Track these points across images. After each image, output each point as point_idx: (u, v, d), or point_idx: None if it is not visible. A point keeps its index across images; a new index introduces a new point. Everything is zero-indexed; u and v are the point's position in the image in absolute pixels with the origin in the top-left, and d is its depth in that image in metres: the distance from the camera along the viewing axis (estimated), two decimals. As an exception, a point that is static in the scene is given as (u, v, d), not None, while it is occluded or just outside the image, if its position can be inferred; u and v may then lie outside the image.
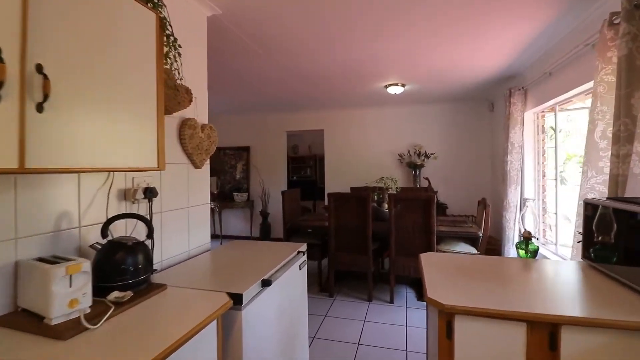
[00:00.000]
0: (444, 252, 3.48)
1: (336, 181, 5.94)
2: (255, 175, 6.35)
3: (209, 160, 2.18)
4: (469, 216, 5.11)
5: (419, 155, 5.25)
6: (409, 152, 5.43)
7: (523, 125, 3.72)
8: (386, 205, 3.72)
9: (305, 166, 10.04)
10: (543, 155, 3.80)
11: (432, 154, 5.22)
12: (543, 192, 3.77)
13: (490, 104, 5.17)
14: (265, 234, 6.05)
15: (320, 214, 4.55)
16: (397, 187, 3.69)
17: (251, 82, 4.13)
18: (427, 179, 5.13)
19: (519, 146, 3.73)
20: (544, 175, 3.78)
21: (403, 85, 4.21)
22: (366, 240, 3.37)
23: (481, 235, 3.29)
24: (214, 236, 6.53)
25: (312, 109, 5.90)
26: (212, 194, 6.31)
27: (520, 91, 3.71)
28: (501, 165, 4.11)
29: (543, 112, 3.75)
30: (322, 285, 3.80)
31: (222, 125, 6.64)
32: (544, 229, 3.58)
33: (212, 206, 6.00)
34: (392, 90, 4.24)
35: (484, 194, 5.19)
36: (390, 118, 5.64)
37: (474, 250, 3.48)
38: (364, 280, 3.76)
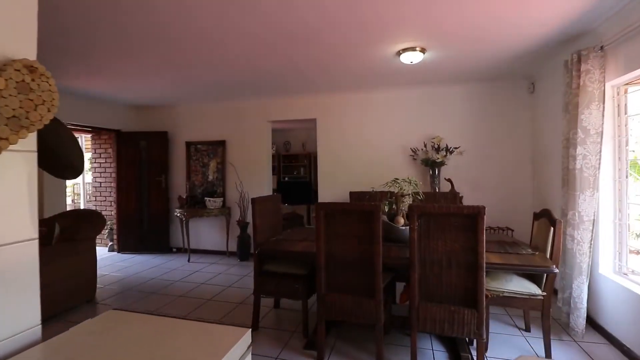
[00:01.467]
0: (494, 291, 2.28)
1: (332, 184, 4.75)
2: (232, 176, 5.15)
3: (33, 140, 0.98)
4: (503, 229, 3.92)
5: (437, 149, 4.07)
6: (425, 146, 4.23)
7: (603, 103, 2.53)
8: (402, 221, 2.53)
9: (299, 165, 8.85)
10: (626, 147, 2.62)
11: (455, 148, 4.03)
12: (619, 200, 2.60)
13: (530, 84, 3.99)
14: (244, 249, 4.85)
15: (312, 229, 3.36)
16: (418, 194, 2.49)
17: (185, 47, 2.93)
18: (449, 180, 3.94)
19: (596, 133, 2.54)
20: (627, 176, 2.61)
21: (423, 51, 3.02)
22: (374, 277, 2.18)
23: (554, 270, 2.10)
24: (180, 250, 5.32)
25: (301, 92, 4.71)
26: (179, 198, 5.11)
27: (598, 53, 2.52)
28: (559, 162, 2.92)
29: (627, 84, 2.57)
30: (308, 337, 2.60)
31: (190, 115, 5.44)
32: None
33: (178, 214, 4.80)
34: (408, 57, 3.05)
35: (525, 200, 3.99)
36: (400, 103, 4.45)
37: (536, 289, 2.29)
38: (369, 330, 2.57)
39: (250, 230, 4.97)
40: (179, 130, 5.47)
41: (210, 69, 3.58)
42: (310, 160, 8.67)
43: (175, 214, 4.94)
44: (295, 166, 8.79)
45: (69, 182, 8.93)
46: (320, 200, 4.81)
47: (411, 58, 3.04)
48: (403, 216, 2.58)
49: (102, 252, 5.59)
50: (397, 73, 3.75)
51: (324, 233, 2.29)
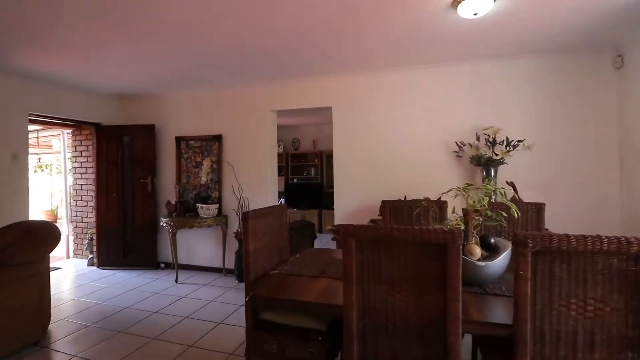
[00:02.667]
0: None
1: (352, 188, 3.83)
2: (230, 178, 4.27)
3: None
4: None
5: (492, 143, 3.11)
6: (477, 138, 3.27)
7: None
8: (477, 252, 1.59)
9: (309, 165, 7.95)
10: None
11: (519, 141, 3.06)
12: None
13: (618, 57, 3.00)
14: (243, 267, 3.96)
15: (330, 253, 2.46)
16: (513, 210, 1.54)
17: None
18: (511, 184, 2.98)
19: None
20: None
21: (493, -3, 2.08)
22: (448, 353, 1.25)
23: None
24: (169, 266, 4.46)
25: (313, 74, 3.81)
26: (168, 204, 4.25)
27: None
28: None
29: None
30: None
31: (181, 105, 4.59)
32: None
33: (164, 224, 3.94)
34: (470, 6, 2.11)
35: (610, 214, 3.00)
36: (444, 83, 3.49)
37: None
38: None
39: (251, 244, 4.08)
40: (167, 123, 4.63)
41: (200, 40, 2.70)
42: (321, 159, 7.77)
43: (162, 224, 4.08)
44: (305, 166, 7.90)
45: (50, 185, 8.04)
46: (338, 209, 3.90)
47: (475, 7, 2.10)
48: (477, 243, 1.64)
49: (80, 266, 4.78)
50: (445, 39, 2.80)
51: (357, 276, 1.37)
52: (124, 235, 4.59)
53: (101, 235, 4.62)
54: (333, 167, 4.00)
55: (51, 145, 7.44)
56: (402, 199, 3.34)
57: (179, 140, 4.51)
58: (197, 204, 4.13)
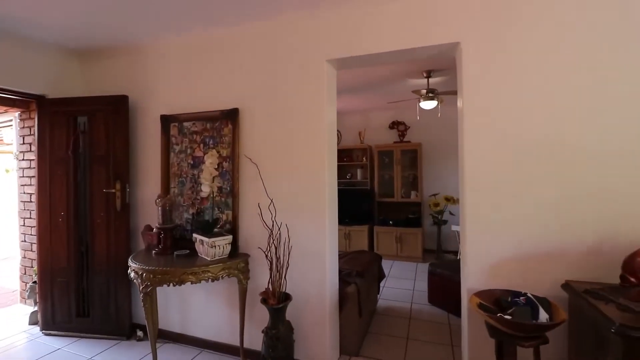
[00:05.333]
0: None
1: (499, 211, 1.82)
2: (252, 186, 2.36)
3: None
4: None
5: None
6: None
7: None
8: None
9: (353, 165, 5.98)
10: None
11: None
12: None
13: None
14: (279, 351, 2.02)
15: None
16: None
17: None
18: None
19: None
20: None
21: None
22: None
23: None
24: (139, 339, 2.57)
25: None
26: (146, 233, 2.40)
27: None
28: None
29: None
30: None
31: (170, 62, 2.72)
32: None
33: (131, 272, 2.06)
34: None
35: None
36: None
37: None
38: None
39: (294, 315, 2.15)
40: (149, 92, 2.77)
41: None
42: (370, 157, 5.78)
43: (129, 271, 2.20)
44: (347, 167, 5.93)
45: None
46: (469, 249, 1.89)
47: None
48: None
49: (18, 325, 2.98)
50: None
51: None
52: (79, 281, 2.77)
53: (45, 280, 2.81)
54: (462, 162, 2.01)
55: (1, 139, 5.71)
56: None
57: (167, 121, 2.63)
58: (195, 235, 2.23)
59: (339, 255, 2.85)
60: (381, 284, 3.59)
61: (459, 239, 5.09)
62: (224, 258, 2.18)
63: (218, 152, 2.43)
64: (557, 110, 1.75)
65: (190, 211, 2.53)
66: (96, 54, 2.97)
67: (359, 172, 5.89)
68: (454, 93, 3.39)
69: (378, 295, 3.48)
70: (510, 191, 1.81)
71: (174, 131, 2.62)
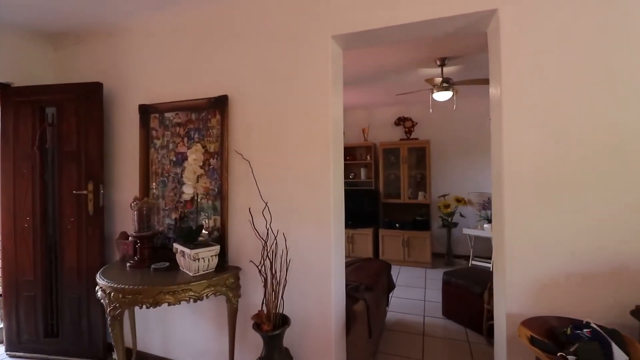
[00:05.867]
0: None
1: (548, 213, 1.46)
2: (243, 187, 2.01)
3: None
4: None
5: None
6: None
7: None
8: None
9: (357, 164, 5.63)
10: None
11: None
12: None
13: None
14: None
15: None
16: None
17: None
18: None
19: None
20: None
21: None
22: None
23: None
24: (127, 354, 2.20)
25: None
26: (120, 241, 2.04)
27: None
28: None
29: None
30: None
31: (150, 45, 2.37)
32: None
33: (98, 291, 1.70)
34: None
35: None
36: None
37: None
38: None
39: (293, 341, 1.79)
40: (126, 79, 2.41)
41: None
42: (375, 155, 5.43)
43: (97, 290, 1.84)
44: (351, 165, 5.58)
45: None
46: (512, 264, 1.53)
47: None
48: None
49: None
50: None
51: None
52: (47, 296, 2.42)
53: (9, 294, 2.46)
54: (503, 154, 1.66)
55: None
56: None
57: (146, 111, 2.27)
58: (176, 245, 1.88)
59: (351, 267, 2.50)
60: (390, 294, 3.24)
61: (472, 243, 4.77)
62: (210, 273, 1.82)
63: (204, 146, 2.07)
64: (627, 97, 1.40)
65: (173, 216, 2.18)
66: (70, 38, 2.61)
67: (362, 171, 5.54)
68: (482, 82, 3.04)
69: (387, 307, 3.13)
70: (563, 194, 1.46)
71: (154, 123, 2.26)
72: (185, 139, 2.15)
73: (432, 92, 3.26)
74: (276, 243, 1.82)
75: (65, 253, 2.39)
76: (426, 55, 3.10)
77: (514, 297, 1.50)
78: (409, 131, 5.33)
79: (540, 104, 1.49)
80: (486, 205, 4.62)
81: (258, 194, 1.91)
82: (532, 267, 1.48)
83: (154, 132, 2.26)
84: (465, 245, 4.89)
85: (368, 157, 5.49)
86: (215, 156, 2.06)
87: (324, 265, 1.84)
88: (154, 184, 2.24)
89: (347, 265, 2.82)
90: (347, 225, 5.08)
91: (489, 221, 4.52)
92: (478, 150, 4.94)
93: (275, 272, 1.74)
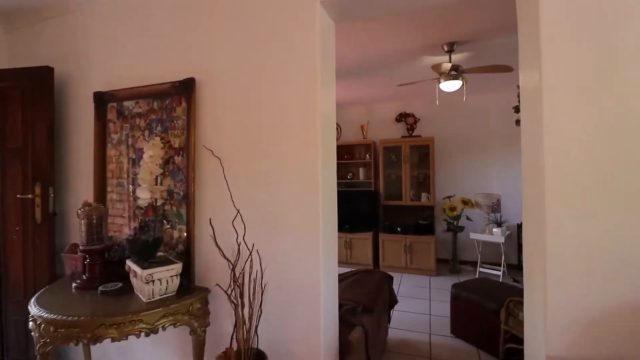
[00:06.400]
0: None
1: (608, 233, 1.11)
2: (214, 190, 1.65)
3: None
4: None
5: None
6: None
7: None
8: None
9: (355, 164, 5.26)
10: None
11: None
12: None
13: None
14: None
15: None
16: None
17: None
18: None
19: None
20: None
21: None
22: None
23: None
24: None
25: None
26: (69, 256, 1.67)
27: None
28: None
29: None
30: None
31: (108, 23, 2.00)
32: None
33: (30, 321, 1.31)
34: None
35: None
36: None
37: None
38: None
39: (273, 345, 1.42)
40: (81, 63, 2.05)
41: None
42: (374, 154, 5.07)
43: (30, 318, 1.48)
44: (348, 165, 5.22)
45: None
46: (554, 297, 1.16)
47: None
48: None
49: None
50: None
51: None
52: (-10, 317, 2.06)
53: (-54, 314, 2.10)
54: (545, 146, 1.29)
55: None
56: None
57: (102, 100, 1.91)
58: (128, 262, 1.52)
59: (346, 281, 2.14)
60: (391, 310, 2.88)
61: (480, 248, 4.40)
62: (169, 297, 1.46)
63: (167, 141, 1.71)
64: None
65: (132, 225, 1.81)
66: (24, 17, 2.25)
67: (361, 171, 5.18)
68: (499, 68, 2.68)
69: (388, 324, 2.77)
70: (627, 198, 1.10)
71: (111, 114, 1.90)
72: (146, 132, 1.79)
73: (439, 82, 2.90)
74: (251, 261, 1.45)
75: (10, 267, 2.02)
76: (433, 39, 2.73)
77: (555, 333, 1.14)
78: (411, 128, 4.97)
79: (595, 90, 1.13)
80: (495, 207, 4.27)
81: (231, 200, 1.55)
82: (582, 298, 1.12)
83: (111, 125, 1.90)
84: (472, 251, 4.53)
85: (367, 155, 5.13)
86: (181, 152, 1.69)
87: (312, 285, 1.48)
88: (110, 186, 1.88)
89: (342, 278, 2.46)
90: (344, 229, 4.72)
91: (499, 225, 4.18)
92: (486, 148, 4.59)
93: (251, 297, 1.38)
